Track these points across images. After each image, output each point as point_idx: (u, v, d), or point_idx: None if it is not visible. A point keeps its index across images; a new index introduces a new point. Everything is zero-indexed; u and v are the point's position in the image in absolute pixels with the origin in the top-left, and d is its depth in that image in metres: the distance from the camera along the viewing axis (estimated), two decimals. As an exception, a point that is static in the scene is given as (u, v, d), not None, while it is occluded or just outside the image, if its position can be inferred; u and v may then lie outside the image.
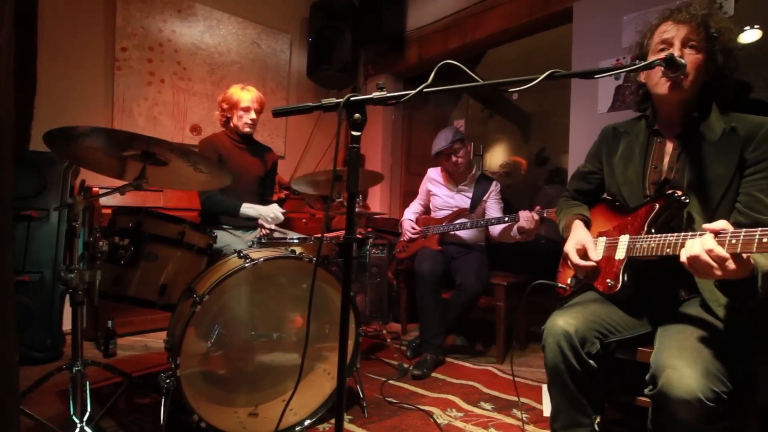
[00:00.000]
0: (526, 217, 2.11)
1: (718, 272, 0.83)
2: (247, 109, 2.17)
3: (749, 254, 0.82)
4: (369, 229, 3.33)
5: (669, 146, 1.20)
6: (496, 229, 2.39)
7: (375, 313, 2.98)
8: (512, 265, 3.11)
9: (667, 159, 1.20)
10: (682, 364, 0.90)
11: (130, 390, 1.78)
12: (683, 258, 0.88)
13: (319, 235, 1.93)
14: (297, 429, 1.55)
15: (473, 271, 2.26)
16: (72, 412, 1.30)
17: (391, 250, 2.98)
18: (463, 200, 2.54)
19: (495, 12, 2.96)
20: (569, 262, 1.25)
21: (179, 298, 1.54)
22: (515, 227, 2.23)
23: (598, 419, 1.10)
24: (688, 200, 1.09)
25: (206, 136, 2.35)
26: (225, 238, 1.97)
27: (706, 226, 0.86)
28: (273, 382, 1.66)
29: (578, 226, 1.29)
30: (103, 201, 2.41)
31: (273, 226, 2.16)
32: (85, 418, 1.29)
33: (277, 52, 3.68)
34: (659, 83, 1.12)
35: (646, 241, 1.07)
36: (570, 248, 1.24)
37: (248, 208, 2.09)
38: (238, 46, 3.43)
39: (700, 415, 0.87)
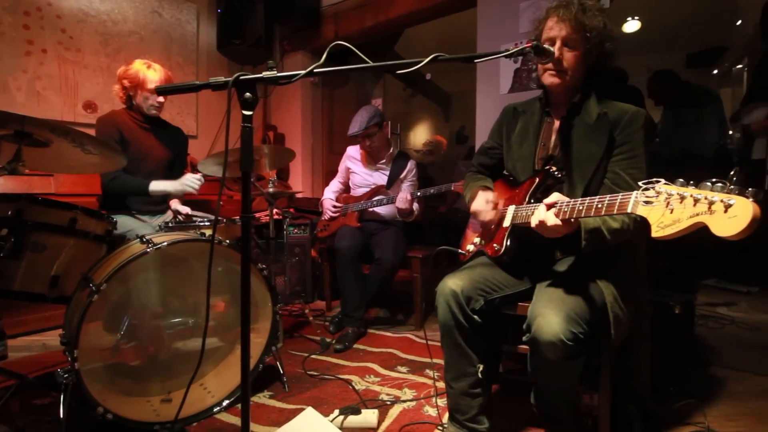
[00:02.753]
0: (400, 199, 2.36)
1: (556, 232, 1.06)
2: (153, 91, 1.99)
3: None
4: (291, 210, 3.31)
5: (555, 126, 1.35)
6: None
7: (301, 291, 3.01)
8: (432, 239, 3.29)
9: (553, 137, 1.34)
10: (549, 312, 1.06)
11: (25, 392, 1.64)
12: (533, 224, 1.08)
13: (237, 216, 1.89)
14: (215, 410, 1.55)
15: (390, 246, 2.37)
16: (-50, 420, 1.18)
17: (313, 230, 3.00)
18: (382, 178, 2.62)
19: (407, -8, 3.01)
20: (479, 218, 1.35)
21: (74, 289, 1.44)
22: (396, 210, 2.45)
23: (481, 368, 1.25)
24: (559, 174, 1.25)
25: (103, 113, 2.14)
26: (127, 223, 1.86)
27: (546, 201, 1.06)
28: (190, 367, 1.62)
29: (482, 193, 1.39)
30: (-23, 188, 2.13)
31: (186, 209, 2.07)
32: (-34, 425, 1.18)
33: (182, 23, 3.42)
34: (544, 75, 1.26)
35: (524, 210, 1.21)
36: (478, 205, 1.34)
37: (159, 185, 1.96)
38: (135, 14, 3.13)
39: (563, 353, 1.04)
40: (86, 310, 1.27)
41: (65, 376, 1.27)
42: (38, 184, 2.51)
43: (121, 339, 1.54)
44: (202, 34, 3.58)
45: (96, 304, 1.29)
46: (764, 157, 1.87)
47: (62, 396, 1.29)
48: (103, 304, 1.39)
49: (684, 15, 4.44)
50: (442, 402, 1.60)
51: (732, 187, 0.72)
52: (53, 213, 1.46)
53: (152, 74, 1.99)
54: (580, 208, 0.98)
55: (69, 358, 1.27)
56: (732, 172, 0.77)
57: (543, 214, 1.05)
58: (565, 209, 1.03)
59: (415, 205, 2.44)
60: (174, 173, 2.25)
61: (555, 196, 1.07)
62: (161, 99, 2.04)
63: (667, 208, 0.79)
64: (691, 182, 0.79)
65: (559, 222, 1.03)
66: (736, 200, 0.69)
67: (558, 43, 1.21)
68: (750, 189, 0.71)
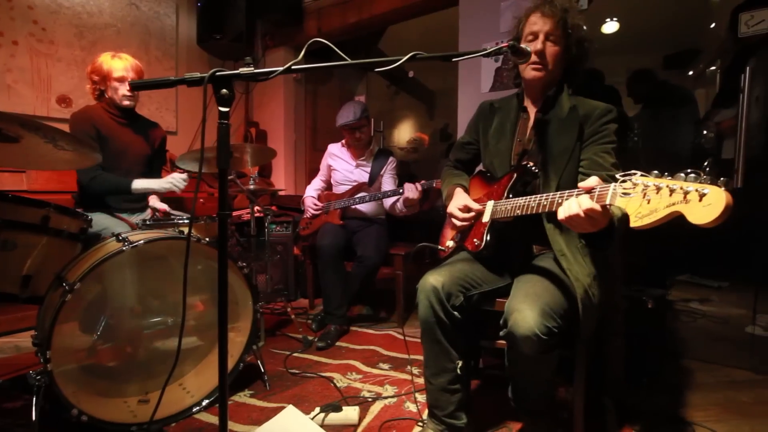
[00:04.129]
0: (410, 189, 2.28)
1: (592, 226, 0.94)
2: (121, 80, 1.94)
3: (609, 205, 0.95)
4: (273, 207, 3.28)
5: (530, 121, 1.38)
6: (387, 203, 2.52)
7: (283, 289, 2.99)
8: (414, 236, 3.30)
9: (528, 132, 1.37)
10: (525, 307, 1.08)
11: (-5, 395, 1.60)
12: (561, 216, 0.96)
13: (213, 215, 1.87)
14: (195, 410, 1.54)
15: (372, 243, 2.37)
16: None
17: (296, 227, 2.98)
18: (363, 175, 2.62)
19: (390, -11, 3.01)
20: (453, 220, 1.37)
21: (47, 288, 1.40)
22: (401, 200, 2.38)
23: (460, 364, 1.27)
24: (537, 170, 1.28)
25: (78, 108, 2.08)
26: (103, 221, 1.81)
27: (582, 184, 0.94)
28: (169, 367, 1.59)
29: (459, 192, 1.43)
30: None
31: (164, 206, 2.03)
32: (-69, 430, 1.15)
33: (160, 16, 3.34)
34: (526, 69, 1.30)
35: (503, 205, 1.23)
36: (453, 208, 1.37)
37: (142, 183, 1.93)
38: (111, 6, 3.05)
39: (537, 347, 1.06)
40: (59, 311, 1.24)
41: (38, 378, 1.24)
42: (9, 180, 2.44)
43: (97, 339, 1.50)
44: (181, 28, 3.51)
45: (70, 304, 1.26)
46: (733, 156, 1.94)
47: (34, 399, 1.26)
48: (77, 304, 1.35)
49: (661, 17, 4.54)
50: (422, 398, 1.62)
51: (705, 177, 0.74)
52: (24, 210, 1.42)
53: (117, 63, 1.94)
54: (560, 201, 1.00)
55: (41, 360, 1.24)
56: (705, 163, 0.80)
57: (590, 204, 0.91)
58: (544, 203, 1.04)
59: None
60: (153, 170, 2.21)
61: (594, 180, 0.93)
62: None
63: (644, 198, 0.81)
64: (666, 173, 0.81)
65: (598, 207, 0.90)
66: (710, 189, 0.71)
67: (541, 37, 1.25)
68: (722, 178, 0.73)
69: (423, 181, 2.29)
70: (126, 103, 1.99)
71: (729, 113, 2.46)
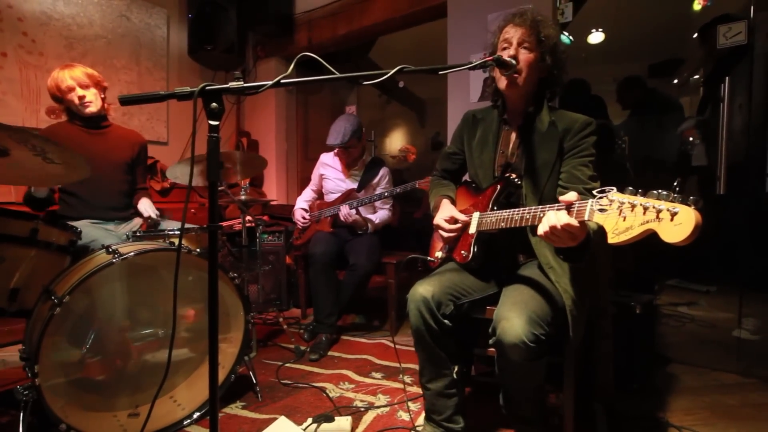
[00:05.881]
0: (343, 214, 2.42)
1: (571, 240, 0.97)
2: (70, 89, 1.92)
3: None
4: (265, 217, 3.28)
5: (513, 135, 1.40)
6: (375, 219, 2.57)
7: (275, 299, 2.98)
8: (407, 244, 3.32)
9: (511, 145, 1.39)
10: (512, 315, 1.09)
11: (-18, 411, 1.57)
12: (540, 232, 0.99)
13: (205, 225, 1.87)
14: (186, 423, 1.53)
15: (364, 251, 2.38)
16: None
17: (288, 237, 2.98)
18: (354, 183, 2.63)
19: (379, 1, 3.06)
20: (441, 231, 1.38)
21: (36, 302, 1.39)
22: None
23: (456, 368, 1.28)
24: (520, 182, 1.30)
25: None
26: (91, 232, 1.80)
27: (562, 198, 0.97)
28: (159, 380, 1.58)
29: (446, 204, 1.44)
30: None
31: (152, 212, 2.02)
32: None
33: (151, 28, 3.35)
34: (499, 79, 1.31)
35: (488, 217, 1.25)
36: (440, 220, 1.38)
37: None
38: (102, 18, 3.05)
39: (526, 354, 1.07)
40: (47, 324, 1.23)
41: (25, 393, 1.23)
42: (-3, 192, 2.41)
43: (86, 353, 1.49)
44: (172, 40, 3.51)
45: (58, 317, 1.25)
46: (705, 163, 1.99)
47: (21, 414, 1.24)
48: (66, 317, 1.34)
49: (645, 27, 4.66)
50: (414, 406, 1.62)
51: (675, 195, 0.77)
52: (12, 223, 1.41)
53: (63, 74, 1.92)
54: (541, 215, 1.02)
55: (29, 374, 1.23)
56: (675, 183, 0.82)
57: (565, 218, 0.95)
58: (527, 216, 1.07)
59: (378, 216, 2.52)
60: (135, 177, 2.20)
61: (572, 195, 0.96)
62: (82, 93, 1.95)
63: (620, 216, 0.83)
64: (639, 190, 0.84)
65: (576, 223, 0.94)
66: (681, 209, 0.74)
67: (514, 43, 1.27)
68: (691, 198, 0.76)
69: (352, 202, 2.46)
70: (87, 110, 1.97)
71: (690, 122, 2.54)
